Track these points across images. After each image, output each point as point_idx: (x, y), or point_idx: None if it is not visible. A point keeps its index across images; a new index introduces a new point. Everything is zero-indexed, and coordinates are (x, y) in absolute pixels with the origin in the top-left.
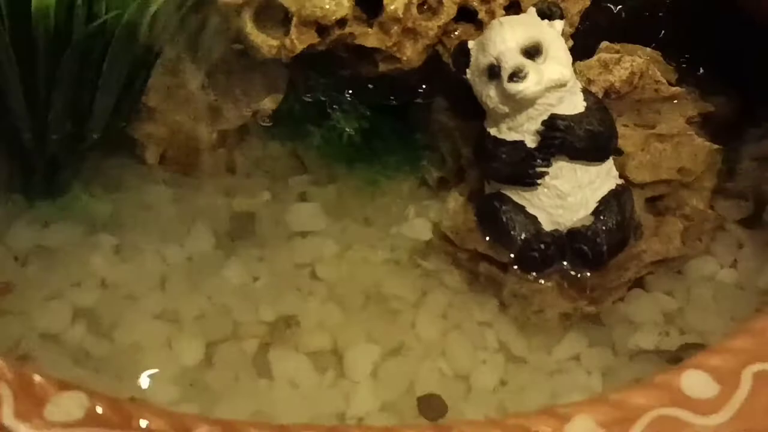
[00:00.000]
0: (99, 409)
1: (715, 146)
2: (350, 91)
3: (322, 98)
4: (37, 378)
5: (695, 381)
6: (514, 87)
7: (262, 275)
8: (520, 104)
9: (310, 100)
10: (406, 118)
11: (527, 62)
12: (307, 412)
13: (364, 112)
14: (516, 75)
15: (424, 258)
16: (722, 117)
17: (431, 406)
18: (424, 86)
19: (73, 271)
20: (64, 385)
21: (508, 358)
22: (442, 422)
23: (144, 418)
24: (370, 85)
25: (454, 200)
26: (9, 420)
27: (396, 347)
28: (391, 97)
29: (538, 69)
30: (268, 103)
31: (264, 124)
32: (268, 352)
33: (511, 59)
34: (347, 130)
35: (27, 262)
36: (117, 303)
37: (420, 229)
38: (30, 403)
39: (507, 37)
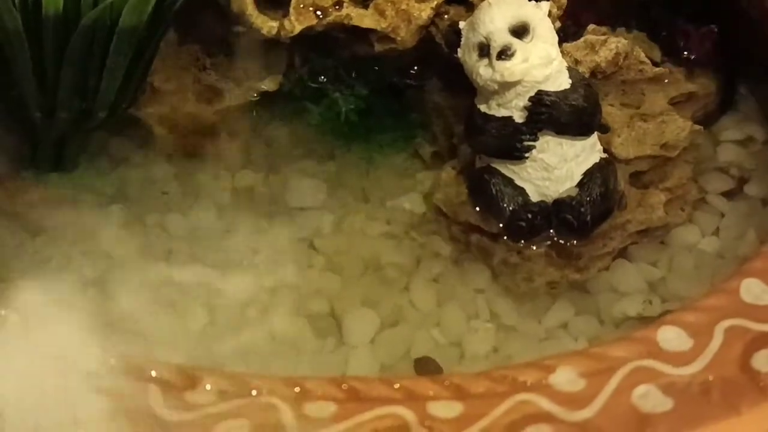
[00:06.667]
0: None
1: (697, 126)
2: (348, 72)
3: (321, 78)
4: None
5: (671, 335)
6: (502, 65)
7: (262, 247)
8: (508, 81)
9: (309, 80)
10: (402, 98)
11: (515, 41)
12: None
13: (361, 92)
14: (504, 53)
15: (419, 230)
16: (705, 96)
17: (427, 369)
18: (418, 66)
19: (81, 244)
20: None
21: (499, 325)
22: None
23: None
24: (366, 66)
25: (447, 174)
26: None
27: (393, 315)
28: (387, 78)
29: (525, 48)
30: (269, 84)
31: (264, 103)
32: (269, 317)
33: (500, 38)
34: (345, 109)
35: (36, 235)
36: (124, 274)
37: (414, 202)
38: None
39: (496, 17)
